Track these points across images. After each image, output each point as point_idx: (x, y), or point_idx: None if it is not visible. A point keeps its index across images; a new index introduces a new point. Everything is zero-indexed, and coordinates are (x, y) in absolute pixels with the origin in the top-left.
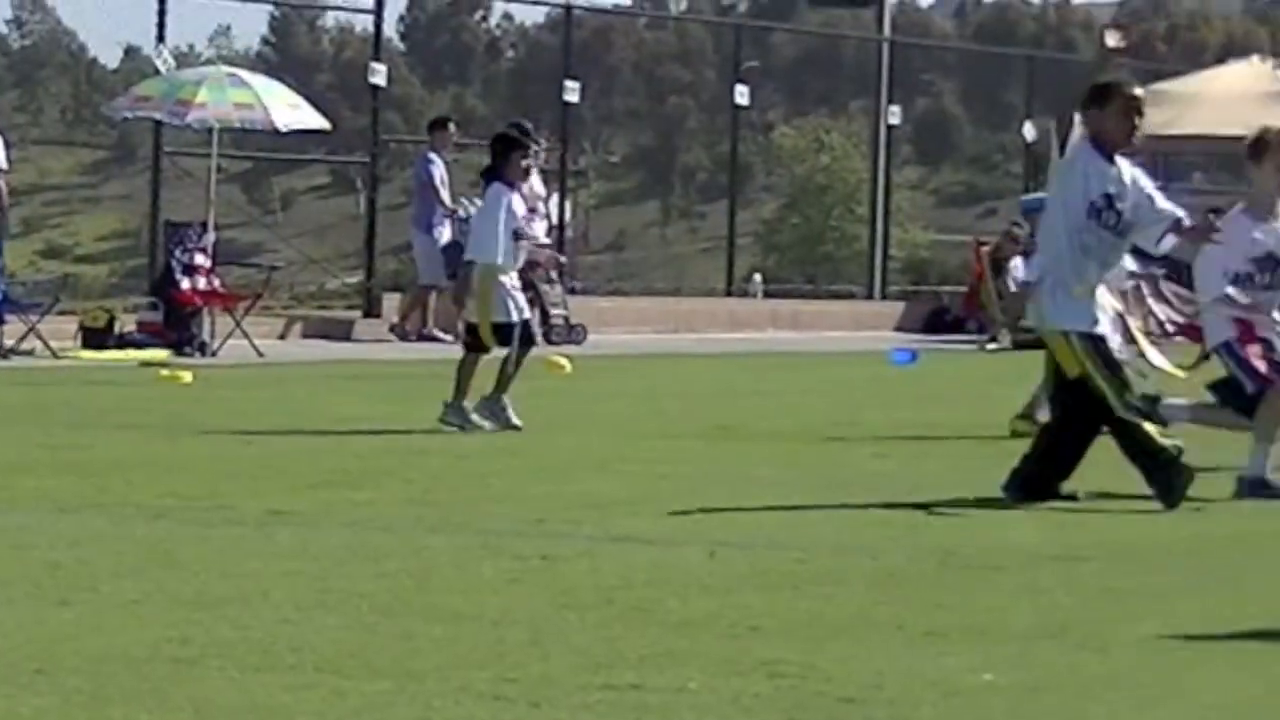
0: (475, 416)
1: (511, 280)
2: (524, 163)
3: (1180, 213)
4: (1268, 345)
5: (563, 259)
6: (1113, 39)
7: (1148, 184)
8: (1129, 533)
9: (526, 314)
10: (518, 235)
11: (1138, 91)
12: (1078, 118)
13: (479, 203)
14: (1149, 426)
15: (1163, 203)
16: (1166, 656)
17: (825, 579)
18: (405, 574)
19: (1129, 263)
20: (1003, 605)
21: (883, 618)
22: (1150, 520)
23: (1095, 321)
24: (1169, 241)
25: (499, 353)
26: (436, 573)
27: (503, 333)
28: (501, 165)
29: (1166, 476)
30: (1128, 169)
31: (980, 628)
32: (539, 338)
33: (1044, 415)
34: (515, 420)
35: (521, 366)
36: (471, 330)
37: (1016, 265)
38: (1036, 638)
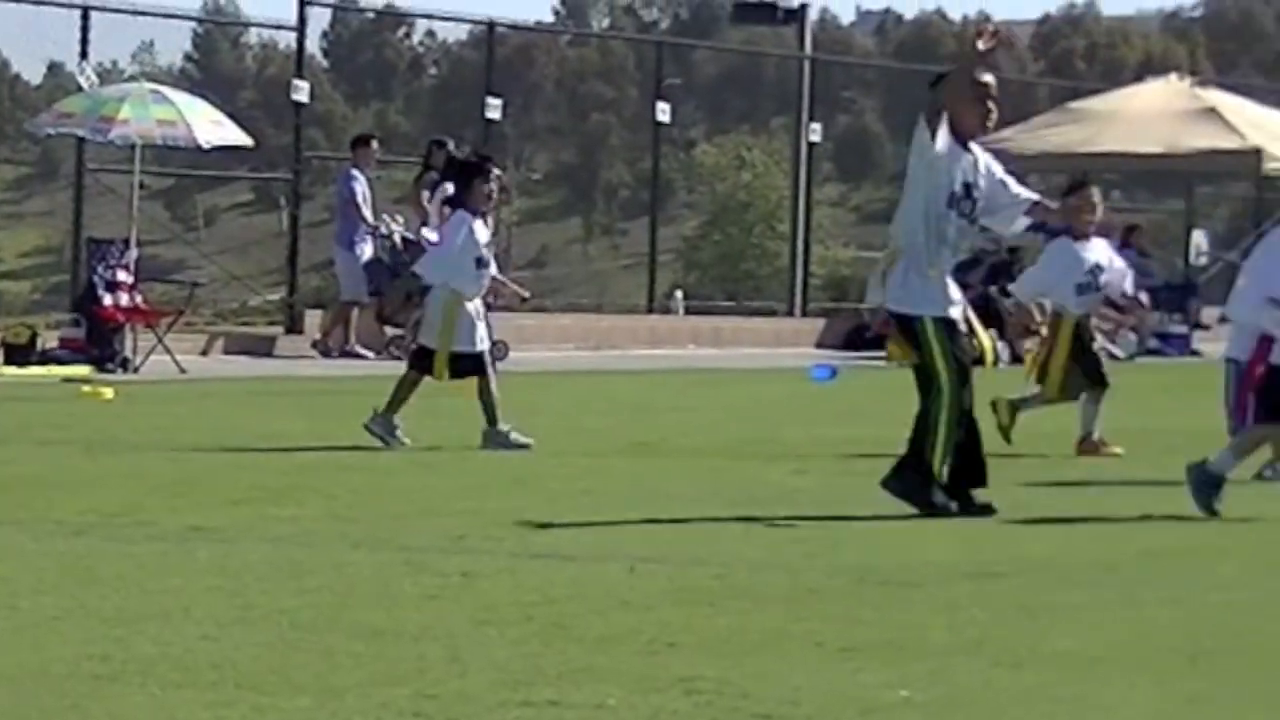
0: (400, 434)
1: (475, 308)
2: (487, 189)
3: (1035, 195)
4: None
5: (527, 295)
6: (983, 43)
7: (999, 170)
8: (1045, 548)
9: (487, 344)
10: (481, 262)
11: (989, 79)
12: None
13: (400, 219)
14: (942, 437)
15: (1016, 187)
16: (1082, 672)
17: (743, 595)
18: (326, 590)
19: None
20: (919, 622)
21: (800, 634)
22: (1066, 536)
23: (950, 305)
24: (1023, 223)
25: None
26: (357, 589)
27: (462, 363)
28: (464, 192)
29: (915, 481)
30: (981, 156)
31: (897, 644)
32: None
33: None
34: (523, 439)
35: (490, 392)
36: (424, 353)
37: None
38: (952, 654)
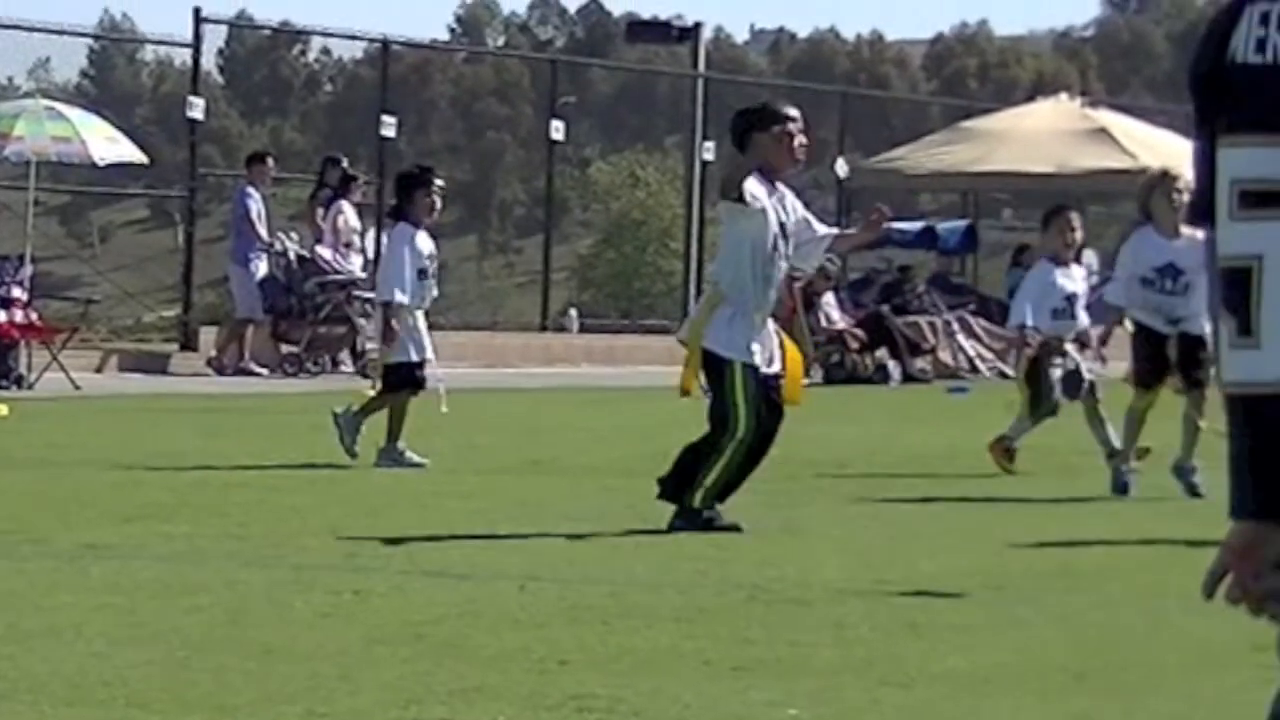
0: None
1: (415, 321)
2: (428, 200)
3: (834, 231)
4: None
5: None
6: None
7: (801, 207)
8: (935, 567)
9: (424, 356)
10: (424, 274)
11: (794, 113)
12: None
13: (295, 237)
14: (718, 471)
15: (816, 224)
16: (969, 691)
17: (634, 613)
18: (218, 608)
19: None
20: (808, 640)
21: (690, 652)
22: (956, 554)
23: (753, 353)
24: (820, 260)
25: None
26: (249, 607)
27: (398, 373)
28: (405, 204)
29: (682, 509)
30: (788, 194)
31: (786, 662)
32: (424, 382)
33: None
34: (418, 458)
35: (382, 408)
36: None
37: (829, 300)
38: (841, 672)
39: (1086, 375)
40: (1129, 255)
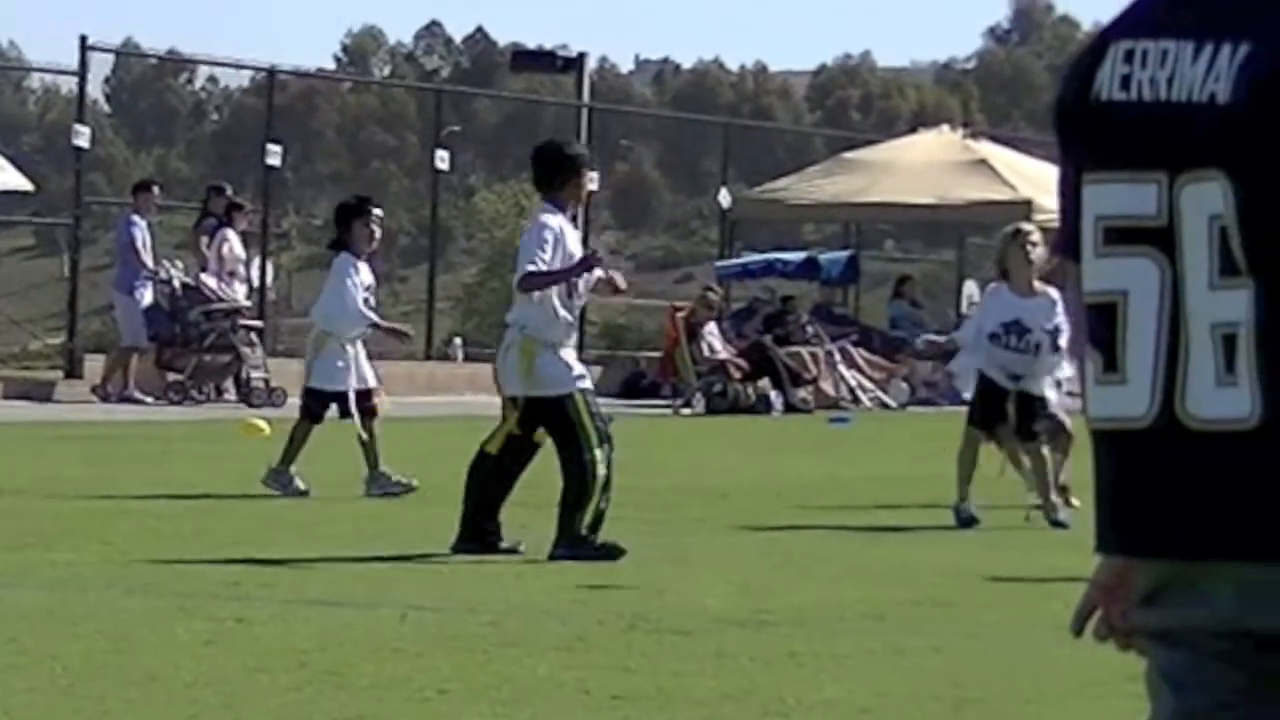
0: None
1: (354, 351)
2: (368, 231)
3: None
4: None
5: (409, 332)
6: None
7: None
8: (815, 596)
9: (366, 386)
10: (365, 304)
11: (584, 151)
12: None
13: (180, 265)
14: (595, 500)
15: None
16: None
17: (515, 643)
18: (101, 636)
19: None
20: (689, 670)
21: (570, 681)
22: (836, 584)
23: (585, 375)
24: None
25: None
26: (132, 635)
27: (317, 399)
28: (345, 235)
29: (575, 537)
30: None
31: (667, 692)
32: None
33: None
34: (302, 485)
35: (307, 440)
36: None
37: (711, 330)
38: (721, 702)
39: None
40: (980, 310)
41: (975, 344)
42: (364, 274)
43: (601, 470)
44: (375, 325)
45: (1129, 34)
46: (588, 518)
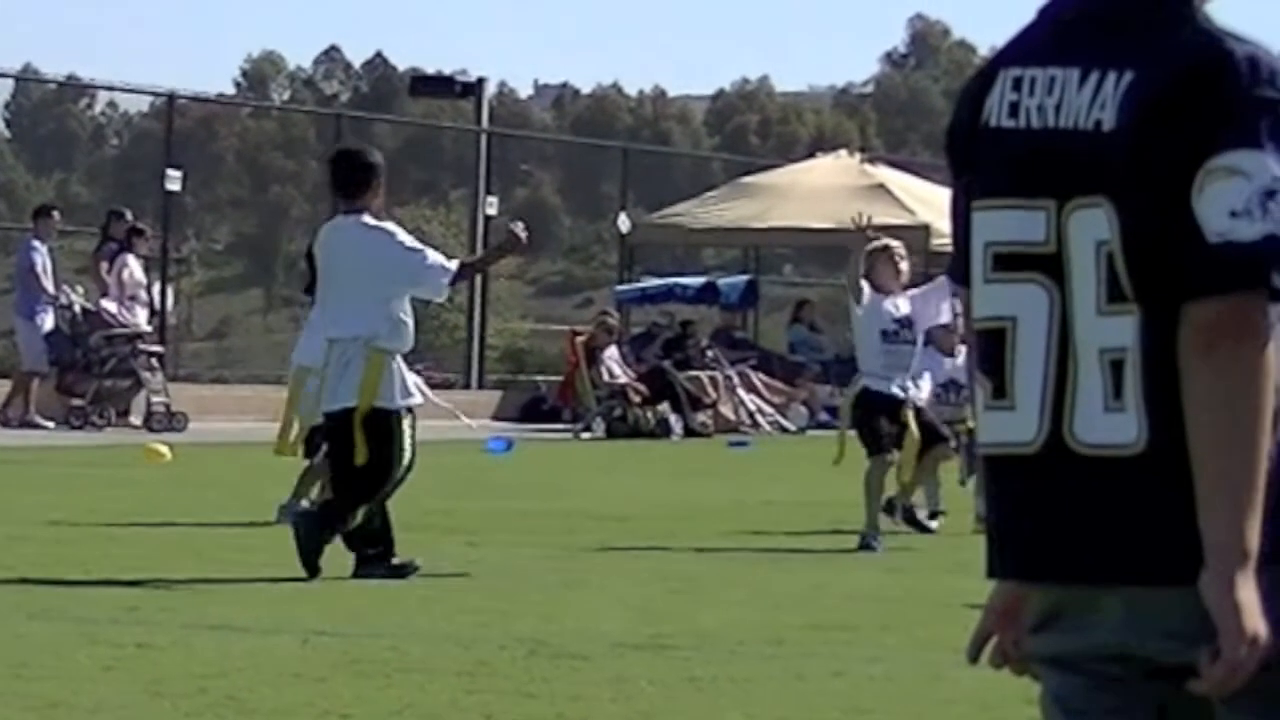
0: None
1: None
2: None
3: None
4: None
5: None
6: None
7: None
8: (716, 621)
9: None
10: None
11: (382, 160)
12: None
13: (81, 290)
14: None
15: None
16: None
17: (417, 667)
18: (1, 662)
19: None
20: (589, 694)
21: (472, 706)
22: (737, 608)
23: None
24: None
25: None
26: (32, 660)
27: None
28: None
29: (377, 562)
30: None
31: (567, 717)
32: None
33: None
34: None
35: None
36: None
37: (611, 354)
38: None
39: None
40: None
41: (867, 351)
42: None
43: (389, 490)
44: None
45: (1018, 61)
46: (359, 517)
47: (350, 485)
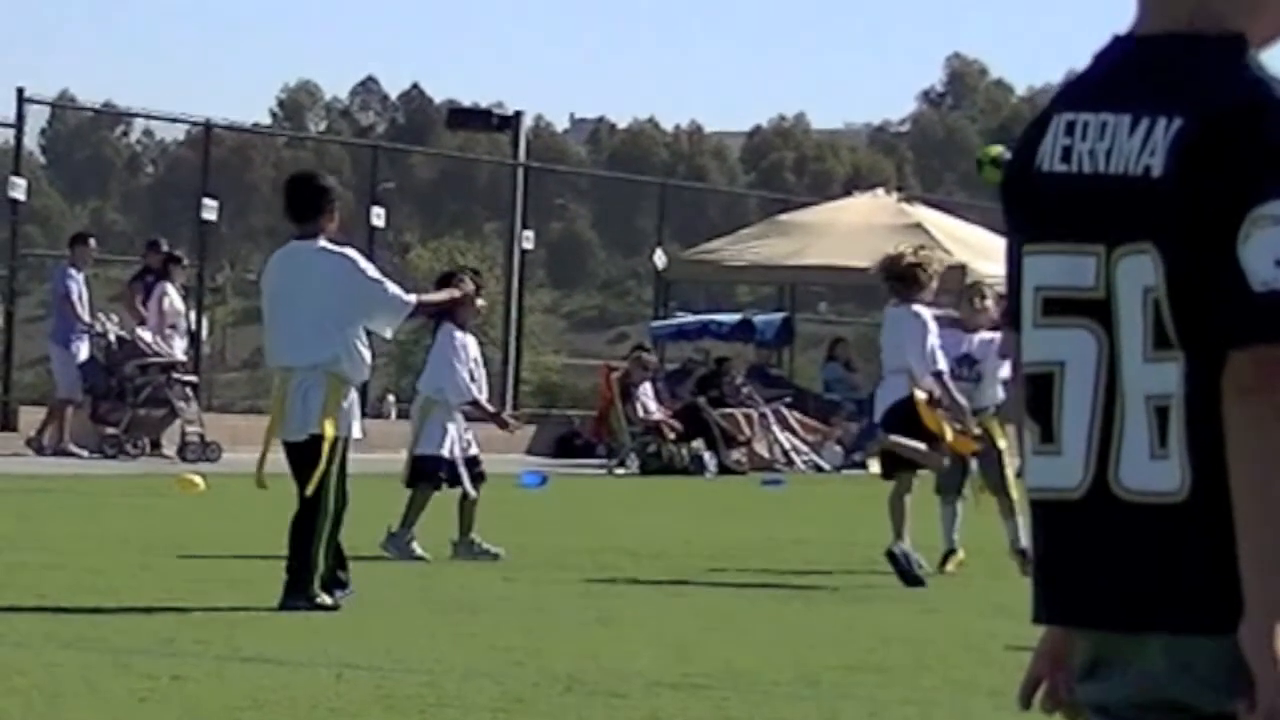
0: (416, 547)
1: (456, 420)
2: (480, 303)
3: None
4: None
5: (513, 420)
6: None
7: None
8: (748, 660)
9: (457, 454)
10: (471, 374)
11: (334, 183)
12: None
13: (115, 319)
14: (325, 541)
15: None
16: None
17: (451, 703)
18: (36, 691)
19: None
20: None
21: None
22: (771, 648)
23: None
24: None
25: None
26: (67, 690)
27: (426, 465)
28: (454, 307)
29: (303, 591)
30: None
31: None
32: (462, 483)
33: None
34: (493, 549)
35: (426, 506)
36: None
37: (645, 391)
38: None
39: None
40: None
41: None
42: (470, 346)
43: (333, 507)
44: (475, 403)
45: (1072, 106)
46: (324, 559)
47: (302, 525)
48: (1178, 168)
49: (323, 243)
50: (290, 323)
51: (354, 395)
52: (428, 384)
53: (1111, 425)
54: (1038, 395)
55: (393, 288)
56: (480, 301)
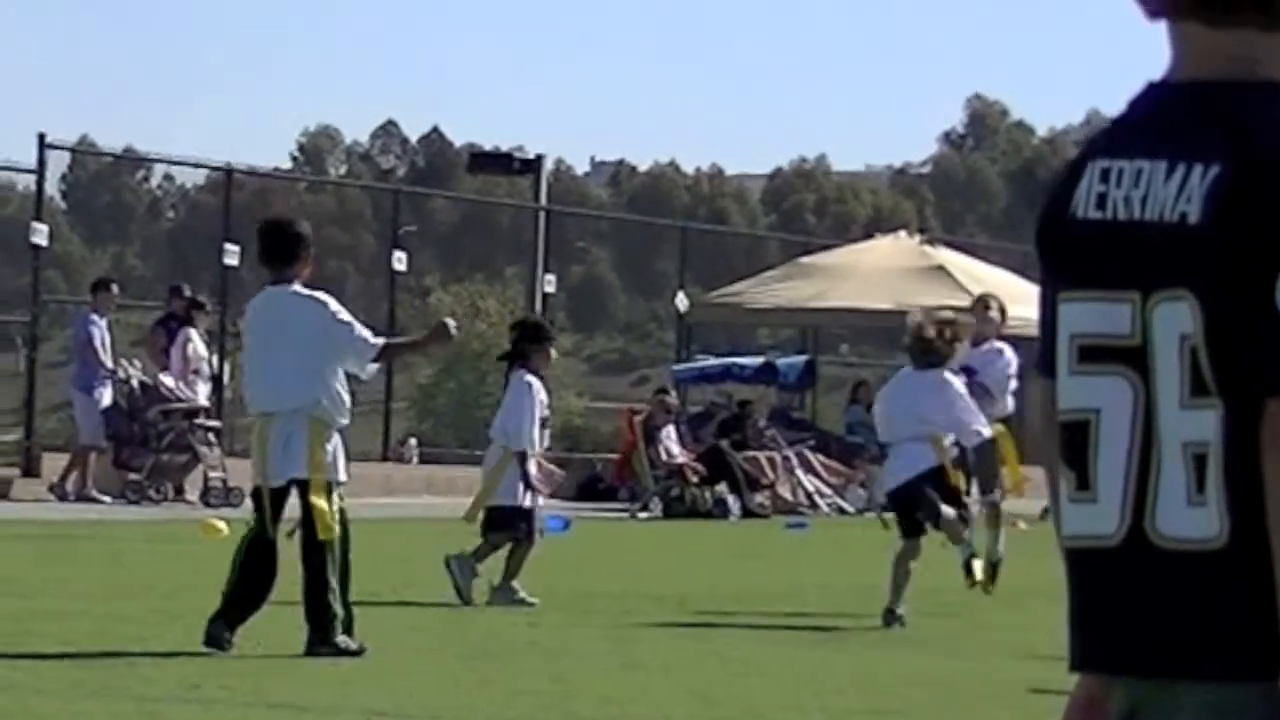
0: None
1: (533, 468)
2: (547, 351)
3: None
4: None
5: (558, 472)
6: None
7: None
8: (772, 704)
9: (537, 503)
10: (545, 423)
11: (308, 229)
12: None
13: (138, 364)
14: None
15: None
16: None
17: None
18: None
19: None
20: None
21: None
22: (794, 691)
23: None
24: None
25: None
26: None
27: (506, 515)
28: (530, 353)
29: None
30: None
31: None
32: (534, 533)
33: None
34: (529, 599)
35: (494, 550)
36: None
37: (668, 434)
38: None
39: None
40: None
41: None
42: (542, 392)
43: (339, 551)
44: (524, 458)
45: (1106, 153)
46: (338, 602)
47: (312, 574)
48: (1215, 215)
49: (297, 287)
50: (270, 368)
51: (337, 439)
52: (503, 432)
53: (1148, 472)
54: (1073, 442)
55: (361, 330)
56: (553, 351)
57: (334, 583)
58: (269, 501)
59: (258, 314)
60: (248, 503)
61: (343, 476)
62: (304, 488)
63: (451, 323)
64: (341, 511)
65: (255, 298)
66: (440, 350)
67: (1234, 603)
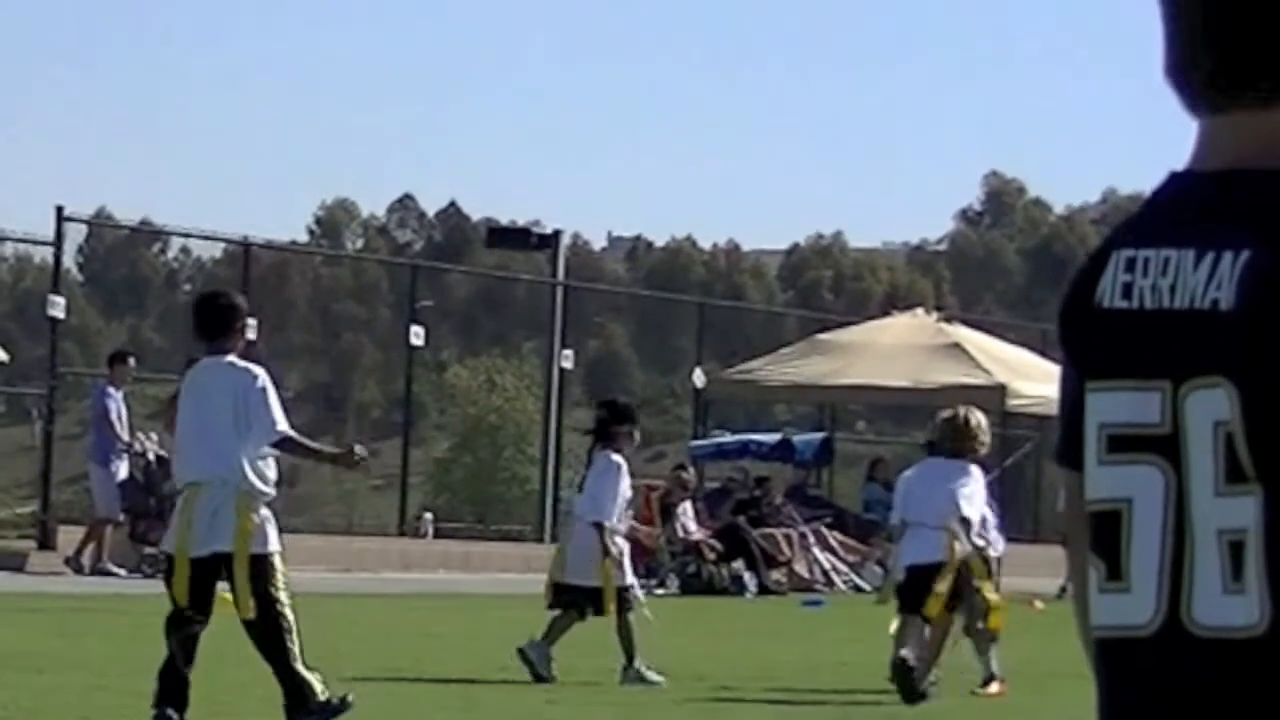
0: (649, 672)
1: (620, 546)
2: (632, 433)
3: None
4: None
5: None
6: None
7: None
8: None
9: (627, 580)
10: (629, 501)
11: (243, 301)
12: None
13: (154, 437)
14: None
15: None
16: None
17: None
18: None
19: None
20: None
21: None
22: None
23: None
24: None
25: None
26: None
27: (584, 594)
28: (616, 434)
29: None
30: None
31: None
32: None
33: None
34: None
35: (566, 629)
36: (575, 591)
37: (685, 511)
38: None
39: None
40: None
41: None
42: (626, 475)
43: (292, 618)
44: (602, 528)
45: (1131, 243)
46: (303, 668)
47: (272, 650)
48: (1248, 299)
49: (232, 359)
50: (199, 438)
51: (265, 510)
52: (590, 510)
53: (1182, 561)
54: (1104, 533)
55: (275, 411)
56: (636, 433)
57: (295, 648)
58: (188, 571)
59: (191, 385)
60: None
61: (275, 546)
62: (229, 561)
63: (361, 450)
64: (284, 578)
65: (192, 369)
66: (348, 470)
67: (1275, 691)
